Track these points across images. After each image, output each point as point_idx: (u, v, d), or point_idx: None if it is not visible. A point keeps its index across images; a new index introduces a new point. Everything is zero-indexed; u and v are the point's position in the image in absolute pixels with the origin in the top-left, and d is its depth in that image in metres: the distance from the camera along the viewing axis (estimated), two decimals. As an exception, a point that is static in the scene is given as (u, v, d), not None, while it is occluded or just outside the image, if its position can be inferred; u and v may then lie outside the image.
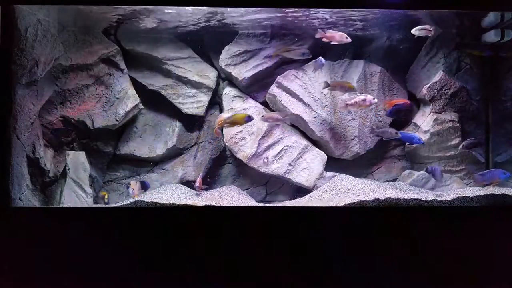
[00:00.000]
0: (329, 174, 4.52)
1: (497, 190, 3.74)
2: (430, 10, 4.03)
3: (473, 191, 3.83)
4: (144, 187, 4.17)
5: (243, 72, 4.64)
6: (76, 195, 4.00)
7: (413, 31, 4.15)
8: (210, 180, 4.55)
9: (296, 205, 3.94)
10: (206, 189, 4.43)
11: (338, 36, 4.14)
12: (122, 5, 3.87)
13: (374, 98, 4.24)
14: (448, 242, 3.22)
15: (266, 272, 3.17)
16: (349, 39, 4.15)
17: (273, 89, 4.66)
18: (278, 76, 4.65)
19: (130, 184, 4.06)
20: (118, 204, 3.78)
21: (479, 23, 4.41)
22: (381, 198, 3.56)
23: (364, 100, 4.19)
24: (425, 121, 4.63)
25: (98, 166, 4.55)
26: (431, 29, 4.12)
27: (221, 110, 4.86)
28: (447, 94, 4.60)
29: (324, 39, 4.19)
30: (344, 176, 4.40)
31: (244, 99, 4.76)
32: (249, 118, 4.14)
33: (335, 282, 3.19)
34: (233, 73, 4.65)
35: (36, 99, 3.81)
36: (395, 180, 4.71)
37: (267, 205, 3.89)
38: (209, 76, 4.76)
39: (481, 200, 3.62)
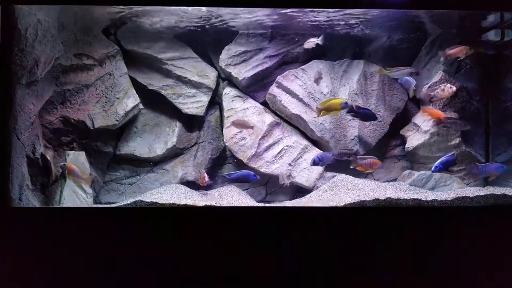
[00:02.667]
0: (329, 174, 4.52)
1: (497, 190, 3.75)
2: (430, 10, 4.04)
3: (473, 191, 3.84)
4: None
5: (243, 72, 4.64)
6: (76, 195, 4.00)
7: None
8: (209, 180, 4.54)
9: (296, 205, 3.94)
10: (207, 188, 4.43)
11: (461, 50, 4.34)
12: (122, 5, 3.87)
13: (451, 87, 4.37)
14: (448, 242, 3.22)
15: (266, 272, 3.17)
16: (471, 51, 4.35)
17: (273, 89, 4.67)
18: (278, 76, 4.65)
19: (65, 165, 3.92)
20: (118, 204, 3.78)
21: (479, 23, 4.42)
22: (381, 198, 3.56)
23: (443, 90, 4.35)
24: (425, 121, 4.62)
25: (98, 166, 4.55)
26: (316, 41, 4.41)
27: (221, 110, 4.86)
28: (447, 94, 4.60)
29: (448, 57, 4.41)
30: (344, 176, 4.41)
31: (244, 99, 4.76)
32: (345, 105, 4.14)
33: (335, 282, 3.19)
34: (233, 73, 4.65)
35: (36, 99, 3.81)
36: (395, 180, 4.71)
37: (267, 205, 3.89)
38: (209, 76, 4.76)
39: (481, 200, 3.62)
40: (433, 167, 4.09)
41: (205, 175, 4.32)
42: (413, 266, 3.20)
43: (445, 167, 4.09)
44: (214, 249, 3.19)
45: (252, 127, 4.53)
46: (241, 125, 4.53)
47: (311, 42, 4.44)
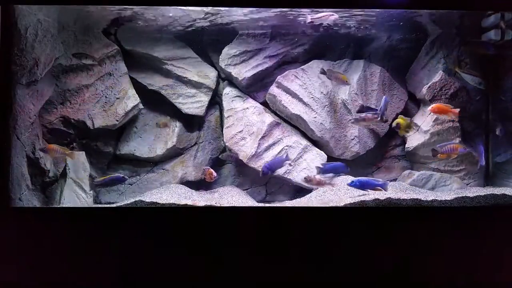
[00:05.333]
0: (329, 174, 4.51)
1: (497, 190, 3.75)
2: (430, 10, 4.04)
3: (473, 191, 3.83)
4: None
5: (243, 72, 4.64)
6: (76, 195, 4.00)
7: None
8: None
9: (296, 205, 3.94)
10: (207, 187, 4.42)
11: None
12: (122, 5, 3.87)
13: None
14: (448, 242, 3.22)
15: (266, 272, 3.17)
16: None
17: (273, 89, 4.67)
18: (278, 76, 4.65)
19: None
20: (118, 204, 3.78)
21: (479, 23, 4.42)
22: (381, 198, 3.56)
23: None
24: (425, 121, 4.62)
25: (98, 166, 4.55)
26: None
27: (221, 110, 4.86)
28: (447, 94, 4.60)
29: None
30: (344, 176, 4.40)
31: (244, 99, 4.76)
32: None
33: (335, 282, 3.19)
34: (233, 73, 4.65)
35: (36, 99, 3.81)
36: (395, 180, 4.71)
37: (267, 205, 3.89)
38: (209, 76, 4.76)
39: (481, 200, 3.62)
40: (351, 181, 3.84)
41: (212, 170, 4.31)
42: (413, 266, 3.20)
43: (362, 187, 3.80)
44: (214, 249, 3.18)
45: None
46: (164, 124, 4.62)
47: (329, 17, 4.04)
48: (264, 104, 4.81)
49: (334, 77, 4.46)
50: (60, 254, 3.13)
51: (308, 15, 3.98)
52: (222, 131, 4.78)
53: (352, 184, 3.77)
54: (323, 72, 4.49)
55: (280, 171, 4.50)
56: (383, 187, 3.73)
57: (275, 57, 4.70)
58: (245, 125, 4.63)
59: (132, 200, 3.77)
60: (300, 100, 4.63)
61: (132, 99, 4.51)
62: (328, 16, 3.98)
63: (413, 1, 3.53)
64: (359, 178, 3.87)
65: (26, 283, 3.11)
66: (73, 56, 4.22)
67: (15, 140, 3.50)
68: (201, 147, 4.83)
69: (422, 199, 3.58)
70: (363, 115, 4.37)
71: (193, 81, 4.70)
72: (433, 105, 4.23)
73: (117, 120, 4.42)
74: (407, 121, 4.47)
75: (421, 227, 3.25)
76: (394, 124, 4.48)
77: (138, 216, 3.33)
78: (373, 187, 3.76)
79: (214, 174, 4.28)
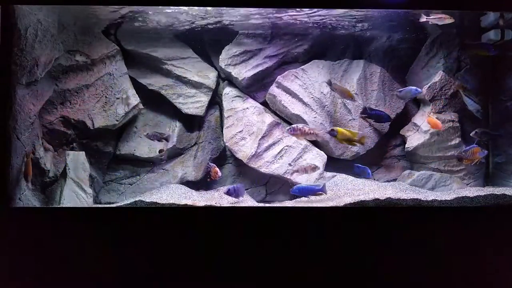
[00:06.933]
0: (329, 174, 4.52)
1: (497, 190, 3.75)
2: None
3: (473, 191, 3.84)
4: None
5: (243, 72, 4.64)
6: (76, 195, 4.00)
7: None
8: (210, 180, 4.54)
9: (296, 205, 3.94)
10: (207, 187, 4.42)
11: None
12: (122, 5, 3.87)
13: None
14: (448, 242, 3.22)
15: (266, 272, 3.17)
16: None
17: (273, 89, 4.67)
18: (278, 76, 4.65)
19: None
20: (118, 204, 3.78)
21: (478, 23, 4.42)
22: (381, 198, 3.56)
23: None
24: (425, 121, 4.62)
25: (98, 166, 4.55)
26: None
27: (221, 110, 4.86)
28: (447, 94, 4.60)
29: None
30: (344, 176, 4.41)
31: (244, 99, 4.76)
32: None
33: (335, 282, 3.19)
34: (233, 73, 4.65)
35: (36, 99, 3.80)
36: (395, 180, 4.71)
37: (267, 205, 3.89)
38: (209, 76, 4.76)
39: (481, 200, 3.62)
40: (292, 189, 3.96)
41: (217, 169, 4.30)
42: (413, 266, 3.20)
43: (301, 193, 3.94)
44: (214, 249, 3.18)
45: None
46: (125, 101, 4.48)
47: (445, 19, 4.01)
48: (264, 104, 4.82)
49: (339, 90, 4.44)
50: (60, 254, 3.13)
51: (423, 15, 3.99)
52: (222, 131, 4.78)
53: (292, 192, 3.96)
54: (329, 83, 4.48)
55: (280, 171, 4.50)
56: (323, 190, 3.88)
57: (275, 57, 4.70)
58: (245, 125, 4.63)
59: (132, 200, 3.77)
60: (300, 100, 4.63)
61: (132, 99, 4.51)
62: (443, 17, 4.01)
63: (413, 1, 3.53)
64: (298, 185, 4.04)
65: (26, 283, 3.11)
66: (67, 53, 4.20)
67: (15, 140, 3.50)
68: (201, 147, 4.83)
69: (422, 199, 3.59)
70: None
71: (193, 81, 4.70)
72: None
73: (117, 120, 4.42)
74: (355, 135, 4.12)
75: (421, 227, 3.25)
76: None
77: (138, 216, 3.33)
78: (313, 192, 3.91)
79: (219, 173, 4.27)
